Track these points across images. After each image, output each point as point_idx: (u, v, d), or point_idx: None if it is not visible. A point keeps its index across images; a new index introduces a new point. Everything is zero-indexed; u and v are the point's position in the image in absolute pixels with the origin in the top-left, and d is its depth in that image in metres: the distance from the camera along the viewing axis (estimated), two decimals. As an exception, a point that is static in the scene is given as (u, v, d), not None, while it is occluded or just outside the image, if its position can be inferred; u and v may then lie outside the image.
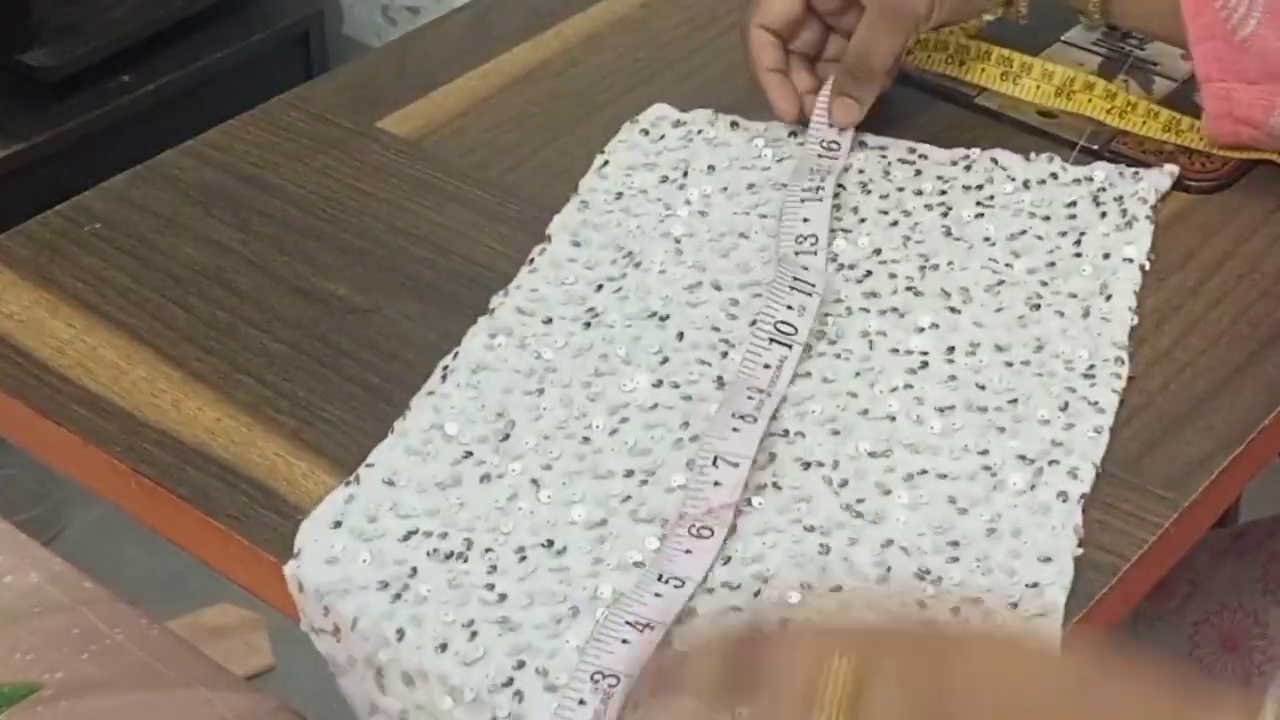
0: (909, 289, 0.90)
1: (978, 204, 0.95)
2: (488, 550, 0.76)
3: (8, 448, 0.98)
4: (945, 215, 0.94)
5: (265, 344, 0.89)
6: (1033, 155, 0.98)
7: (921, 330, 0.87)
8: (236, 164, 1.01)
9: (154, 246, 0.95)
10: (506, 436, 0.82)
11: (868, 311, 0.88)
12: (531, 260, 0.92)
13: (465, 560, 0.76)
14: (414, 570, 0.76)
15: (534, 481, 0.79)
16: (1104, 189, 0.95)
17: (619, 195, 0.96)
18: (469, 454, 0.81)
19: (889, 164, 0.98)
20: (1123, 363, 0.85)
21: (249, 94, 1.15)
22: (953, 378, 0.85)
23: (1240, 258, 0.93)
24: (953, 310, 0.88)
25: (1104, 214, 0.94)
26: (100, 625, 1.02)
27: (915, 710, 0.58)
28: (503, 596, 0.74)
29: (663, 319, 0.88)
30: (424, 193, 0.98)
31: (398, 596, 0.75)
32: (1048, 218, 0.94)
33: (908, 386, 0.84)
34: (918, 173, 0.97)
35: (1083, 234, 0.92)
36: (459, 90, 1.07)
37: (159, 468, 0.82)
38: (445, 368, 0.85)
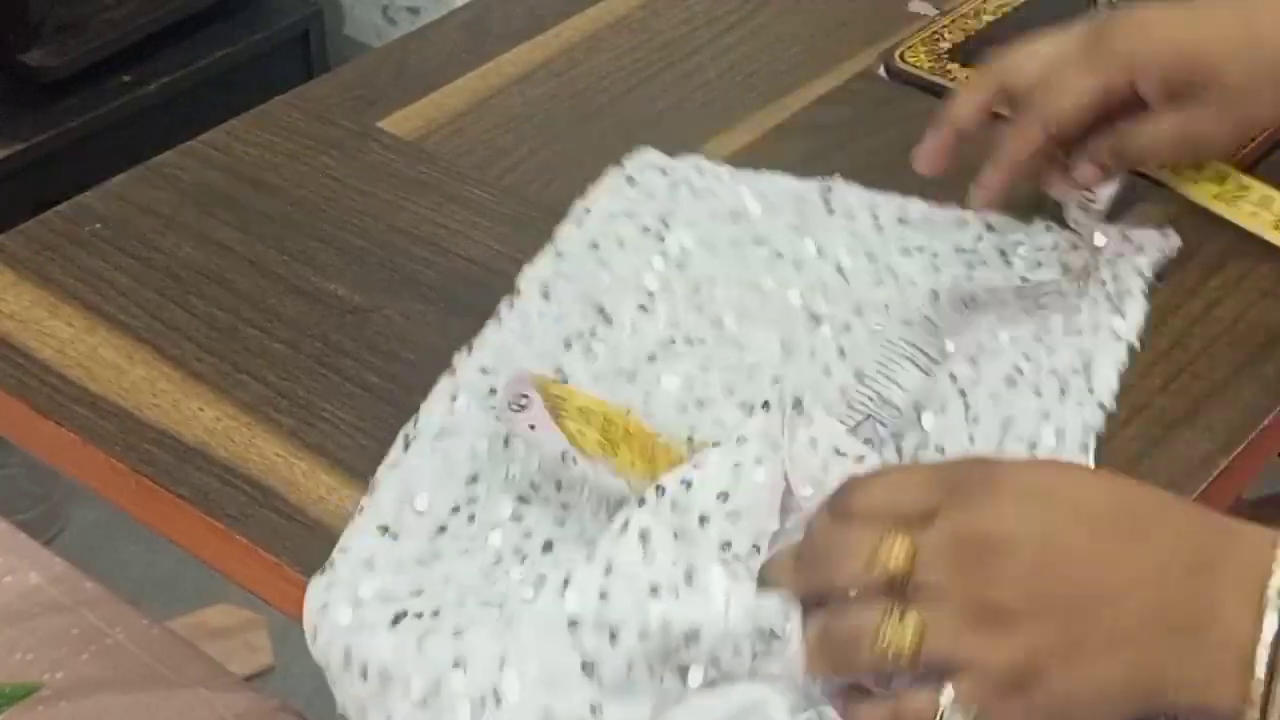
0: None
1: (968, 265, 0.91)
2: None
3: (8, 447, 0.98)
4: (935, 275, 0.91)
5: (265, 344, 0.89)
6: (1035, 220, 0.94)
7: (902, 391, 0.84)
8: (237, 164, 1.01)
9: (154, 246, 0.95)
10: (476, 500, 0.79)
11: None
12: (498, 314, 0.88)
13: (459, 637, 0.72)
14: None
15: (516, 550, 0.77)
16: (1102, 257, 0.90)
17: (595, 245, 0.92)
18: (443, 528, 0.78)
19: (879, 223, 0.94)
20: (1087, 449, 0.82)
21: (249, 94, 1.15)
22: (921, 447, 0.82)
23: (1240, 258, 0.93)
24: (926, 374, 0.85)
25: (1102, 282, 0.89)
26: (100, 625, 1.02)
27: (961, 565, 0.65)
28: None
29: (630, 377, 0.85)
30: (424, 193, 0.98)
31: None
32: (1037, 283, 0.90)
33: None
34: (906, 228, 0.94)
35: (1077, 306, 0.88)
36: (459, 90, 1.07)
37: (159, 467, 0.82)
38: (407, 435, 0.82)
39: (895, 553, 0.66)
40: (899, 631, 0.65)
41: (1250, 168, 0.98)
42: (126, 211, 0.97)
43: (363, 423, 0.84)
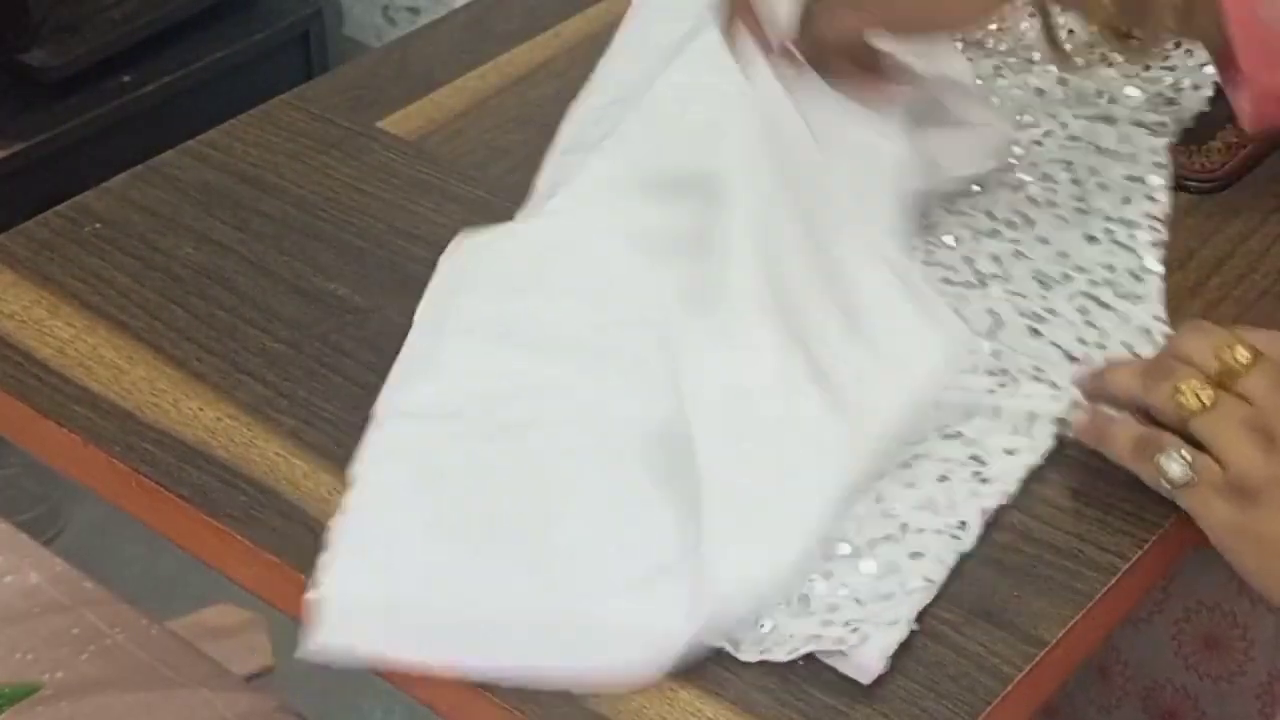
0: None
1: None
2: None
3: (8, 447, 0.98)
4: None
5: (265, 344, 0.89)
6: None
7: None
8: (236, 164, 1.01)
9: (154, 246, 0.95)
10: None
11: None
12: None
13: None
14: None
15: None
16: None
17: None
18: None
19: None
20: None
21: (249, 94, 1.15)
22: None
23: (1240, 258, 0.93)
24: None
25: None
26: (100, 625, 1.02)
27: (1274, 391, 0.75)
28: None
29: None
30: (424, 193, 0.98)
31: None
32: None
33: None
34: None
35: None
36: (459, 90, 1.07)
37: (159, 468, 0.82)
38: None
39: (1239, 354, 0.76)
40: (1198, 391, 0.76)
41: (1243, 174, 0.98)
42: (126, 211, 0.97)
43: (363, 423, 0.84)
